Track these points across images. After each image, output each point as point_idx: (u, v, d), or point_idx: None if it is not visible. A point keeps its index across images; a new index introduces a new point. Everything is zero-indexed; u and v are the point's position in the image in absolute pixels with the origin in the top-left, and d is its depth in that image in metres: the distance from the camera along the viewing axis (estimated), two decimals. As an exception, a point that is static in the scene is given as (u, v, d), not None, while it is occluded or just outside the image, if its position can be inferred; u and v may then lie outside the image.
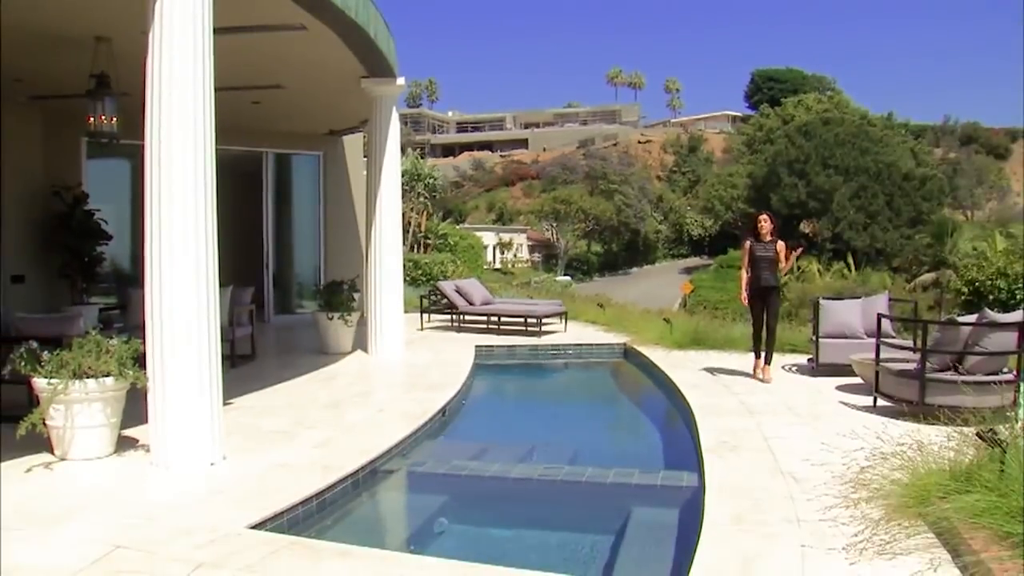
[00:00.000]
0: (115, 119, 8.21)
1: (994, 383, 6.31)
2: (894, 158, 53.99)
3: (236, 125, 12.46)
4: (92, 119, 8.17)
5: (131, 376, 5.57)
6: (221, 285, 5.75)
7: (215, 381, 5.55)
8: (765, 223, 8.80)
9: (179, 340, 5.37)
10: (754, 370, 8.96)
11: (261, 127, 13.58)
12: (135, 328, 6.61)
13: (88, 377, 5.48)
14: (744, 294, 8.83)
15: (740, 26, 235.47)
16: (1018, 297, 12.21)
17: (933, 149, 78.25)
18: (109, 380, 5.53)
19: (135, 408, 5.74)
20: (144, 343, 5.51)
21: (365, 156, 12.23)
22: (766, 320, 8.79)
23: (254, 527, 4.38)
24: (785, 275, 8.72)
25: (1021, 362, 6.97)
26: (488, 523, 5.51)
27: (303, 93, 11.08)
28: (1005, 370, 7.03)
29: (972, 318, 7.30)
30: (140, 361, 5.60)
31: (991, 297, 12.44)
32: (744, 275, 8.85)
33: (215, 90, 5.54)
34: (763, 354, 8.84)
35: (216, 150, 5.57)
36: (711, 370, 9.45)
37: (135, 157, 6.93)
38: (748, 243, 8.85)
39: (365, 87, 10.14)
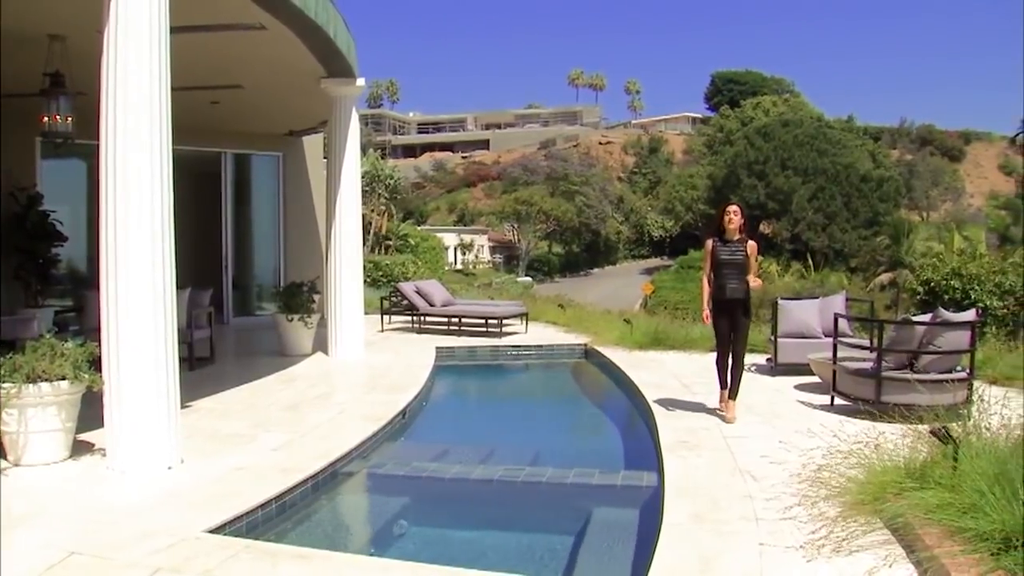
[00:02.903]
0: (70, 118, 8.04)
1: (947, 381, 6.48)
2: (852, 160, 54.95)
3: (194, 125, 12.28)
4: (46, 118, 7.99)
5: (86, 379, 5.48)
6: (179, 287, 5.69)
7: (172, 384, 5.48)
8: (734, 217, 6.92)
9: (136, 343, 5.29)
10: (720, 402, 7.28)
11: (220, 127, 13.43)
12: (91, 331, 6.51)
13: (42, 381, 5.38)
14: (706, 310, 7.05)
15: (700, 28, 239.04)
16: (972, 297, 12.48)
17: (890, 151, 79.64)
18: (64, 384, 5.43)
19: (91, 412, 5.64)
20: (100, 346, 5.43)
21: (325, 157, 12.15)
22: (732, 344, 6.99)
23: (212, 531, 4.34)
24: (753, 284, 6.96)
25: (973, 360, 7.18)
26: (449, 525, 5.50)
27: (262, 93, 10.98)
28: (958, 368, 7.20)
29: (927, 318, 7.43)
30: (96, 364, 5.51)
31: (946, 297, 12.69)
32: (706, 285, 7.07)
33: (172, 89, 5.48)
34: (727, 380, 7.10)
35: (174, 150, 5.51)
36: (671, 371, 9.53)
37: (91, 157, 6.83)
38: (711, 243, 7.02)
39: (325, 87, 10.08)
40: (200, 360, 9.68)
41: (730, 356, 7.00)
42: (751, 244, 7.01)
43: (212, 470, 5.44)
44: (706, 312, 7.05)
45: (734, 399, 7.06)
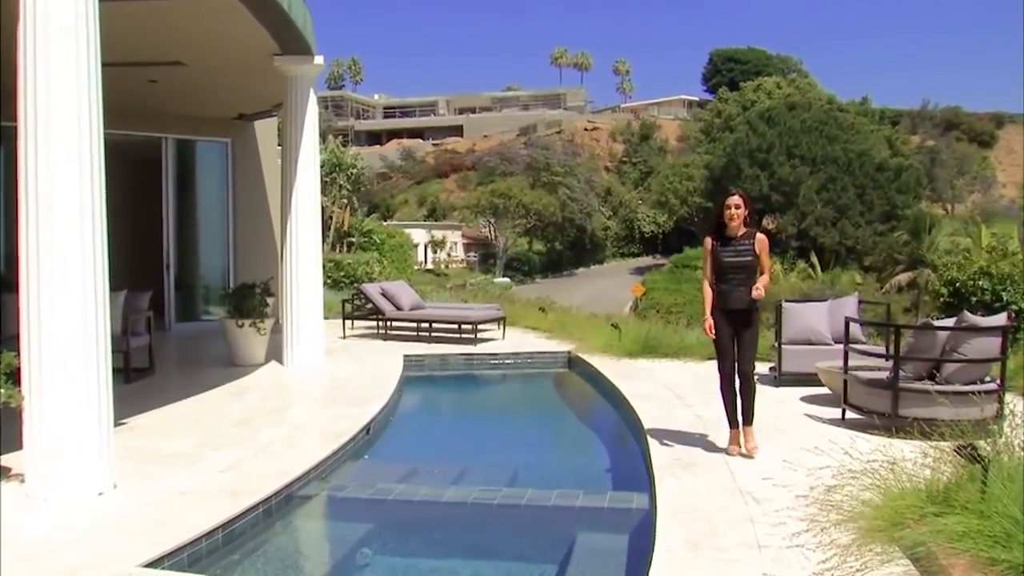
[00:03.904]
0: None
1: (974, 393, 6.42)
2: (866, 147, 55.10)
3: (130, 106, 12.16)
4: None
5: (2, 395, 5.38)
6: (113, 289, 5.61)
7: (104, 399, 5.39)
8: (735, 212, 6.29)
9: (61, 352, 5.20)
10: (729, 444, 6.49)
11: (160, 109, 13.31)
12: (9, 339, 6.41)
13: (-47, 396, 5.27)
14: (708, 321, 6.44)
15: (697, 1, 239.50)
16: (1004, 299, 12.46)
17: (910, 137, 79.93)
18: (-24, 399, 5.33)
19: (9, 431, 5.55)
20: (19, 356, 5.33)
21: (280, 144, 12.07)
22: (738, 362, 6.42)
23: (148, 565, 4.26)
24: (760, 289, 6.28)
25: (1004, 370, 7.15)
26: (417, 553, 5.47)
27: (207, 71, 10.88)
28: (987, 379, 7.19)
29: (950, 322, 7.40)
30: (14, 377, 5.41)
31: (974, 299, 12.66)
32: (708, 291, 6.47)
33: (104, 65, 5.38)
34: (740, 417, 6.47)
35: (106, 134, 5.42)
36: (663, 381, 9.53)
37: (9, 141, 6.68)
38: (710, 242, 6.46)
39: (278, 66, 10.02)
40: (138, 371, 9.59)
41: (736, 378, 6.44)
42: (760, 239, 6.35)
43: (150, 495, 5.37)
44: (708, 322, 6.42)
45: (750, 424, 6.45)
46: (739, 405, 6.45)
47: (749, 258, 6.30)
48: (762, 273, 6.33)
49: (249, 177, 15.04)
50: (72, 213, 5.19)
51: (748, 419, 6.46)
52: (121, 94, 11.09)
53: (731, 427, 6.50)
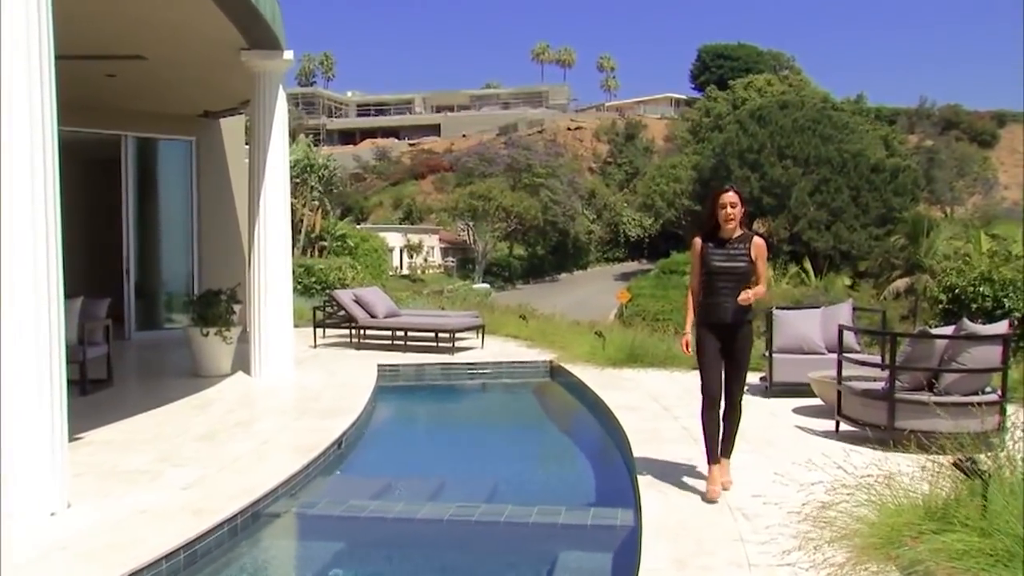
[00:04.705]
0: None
1: (974, 405, 6.40)
2: (861, 147, 55.36)
3: (86, 102, 12.09)
4: None
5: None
6: (68, 296, 5.57)
7: (58, 412, 5.31)
8: (732, 210, 5.73)
9: (11, 362, 5.11)
10: (709, 484, 5.81)
11: (119, 106, 13.24)
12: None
13: None
14: (687, 335, 5.97)
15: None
16: (1006, 306, 12.54)
17: (907, 136, 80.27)
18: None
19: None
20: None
21: (247, 143, 12.03)
22: (725, 383, 5.88)
23: (106, 588, 4.21)
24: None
25: (1006, 380, 7.18)
26: (391, 573, 5.46)
27: (170, 66, 10.82)
28: (988, 389, 7.21)
29: (949, 330, 7.43)
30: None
31: (974, 306, 12.75)
32: (690, 302, 5.98)
33: (57, 58, 5.33)
34: (718, 449, 5.90)
35: (61, 131, 5.37)
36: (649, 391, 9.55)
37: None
38: (700, 244, 5.88)
39: (246, 61, 9.98)
40: (95, 383, 9.51)
41: (720, 402, 5.88)
42: (758, 244, 5.81)
43: (108, 514, 5.31)
44: (686, 338, 5.92)
45: (728, 456, 5.97)
46: (721, 427, 5.91)
47: (743, 264, 5.73)
48: (757, 283, 5.80)
49: (215, 178, 14.99)
50: (23, 215, 5.11)
51: (727, 450, 5.96)
52: (77, 89, 11.05)
53: (710, 462, 5.85)
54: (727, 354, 5.83)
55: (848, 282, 43.88)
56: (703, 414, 5.88)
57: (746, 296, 5.66)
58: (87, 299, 9.58)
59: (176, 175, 14.82)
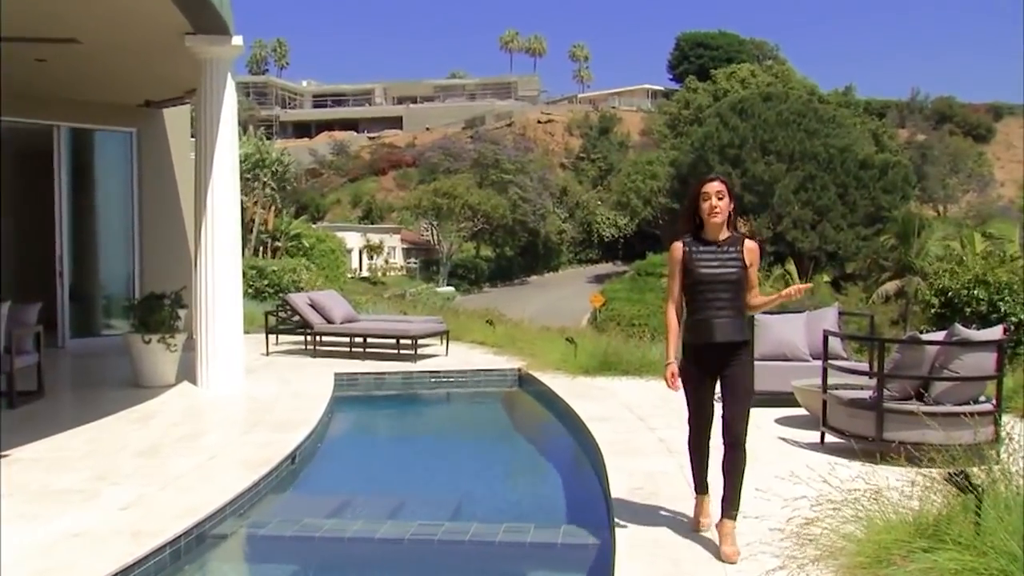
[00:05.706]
0: None
1: (967, 415, 6.44)
2: (849, 142, 56.02)
3: (15, 89, 11.89)
4: None
5: None
6: (-7, 299, 5.46)
7: (-16, 425, 5.24)
8: (719, 203, 4.98)
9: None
10: (695, 516, 5.37)
11: (51, 93, 13.07)
12: None
13: None
14: (672, 365, 5.14)
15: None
16: (1002, 310, 12.67)
17: (897, 131, 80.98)
18: None
19: None
20: None
21: (193, 136, 11.93)
22: (724, 417, 5.04)
23: (34, 618, 4.14)
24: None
25: (1001, 389, 7.20)
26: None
27: (107, 50, 10.70)
28: (981, 399, 7.27)
29: (940, 335, 7.46)
30: None
31: (967, 310, 12.88)
32: (672, 321, 5.20)
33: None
34: (709, 486, 5.32)
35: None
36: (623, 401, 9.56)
37: None
38: (681, 248, 5.09)
39: (191, 46, 9.91)
40: (24, 395, 9.38)
41: (709, 435, 5.22)
42: (751, 247, 5.09)
43: (37, 538, 5.23)
44: (671, 368, 5.12)
45: (733, 518, 4.97)
46: (714, 464, 5.20)
47: (735, 269, 4.99)
48: (748, 287, 5.09)
49: (158, 172, 14.86)
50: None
51: (728, 507, 4.97)
52: (3, 75, 10.88)
53: (697, 492, 5.36)
54: (723, 381, 5.06)
55: (827, 279, 44.21)
56: (690, 443, 5.32)
57: (788, 292, 5.17)
58: (15, 304, 9.49)
59: (115, 169, 14.70)
